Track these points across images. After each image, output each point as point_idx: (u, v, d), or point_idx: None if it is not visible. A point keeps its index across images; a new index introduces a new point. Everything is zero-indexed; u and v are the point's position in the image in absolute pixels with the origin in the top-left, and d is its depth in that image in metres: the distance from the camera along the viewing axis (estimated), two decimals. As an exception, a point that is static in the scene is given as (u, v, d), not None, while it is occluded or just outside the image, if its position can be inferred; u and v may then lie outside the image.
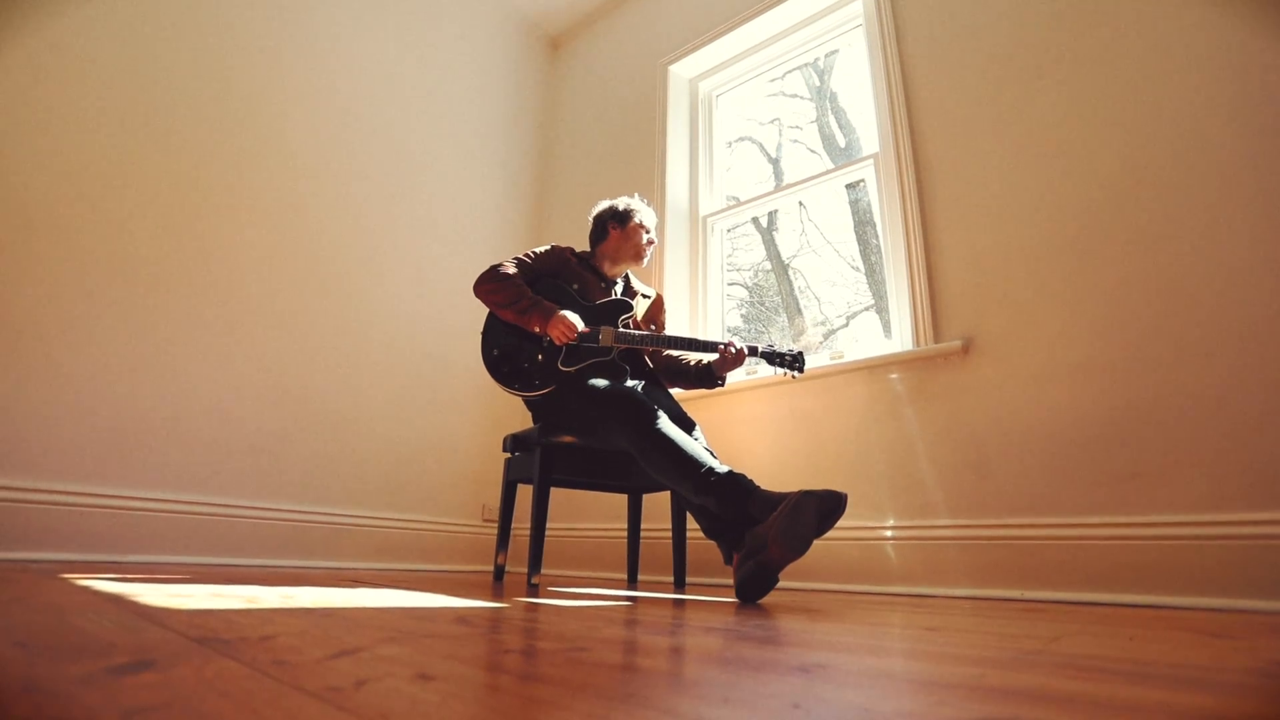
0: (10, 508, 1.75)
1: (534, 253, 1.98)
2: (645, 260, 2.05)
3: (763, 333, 2.98)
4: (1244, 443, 1.49)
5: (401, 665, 0.50)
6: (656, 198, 2.89)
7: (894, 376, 2.06)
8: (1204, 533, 1.49)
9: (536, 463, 1.83)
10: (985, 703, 0.43)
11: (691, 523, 2.13)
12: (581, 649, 0.63)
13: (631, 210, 2.03)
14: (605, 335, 1.84)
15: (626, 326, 1.93)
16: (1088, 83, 1.89)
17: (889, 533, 1.94)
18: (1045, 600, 1.62)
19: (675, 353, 2.09)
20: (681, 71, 3.15)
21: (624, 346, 1.88)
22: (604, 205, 2.09)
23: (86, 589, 1.03)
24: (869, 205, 2.57)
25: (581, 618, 0.95)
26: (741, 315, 3.07)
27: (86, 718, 0.33)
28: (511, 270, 1.89)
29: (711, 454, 1.58)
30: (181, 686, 0.40)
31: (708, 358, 2.00)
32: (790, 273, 3.02)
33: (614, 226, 2.03)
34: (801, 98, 3.15)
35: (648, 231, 2.03)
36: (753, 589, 1.38)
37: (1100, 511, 1.63)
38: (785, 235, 3.06)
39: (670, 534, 2.20)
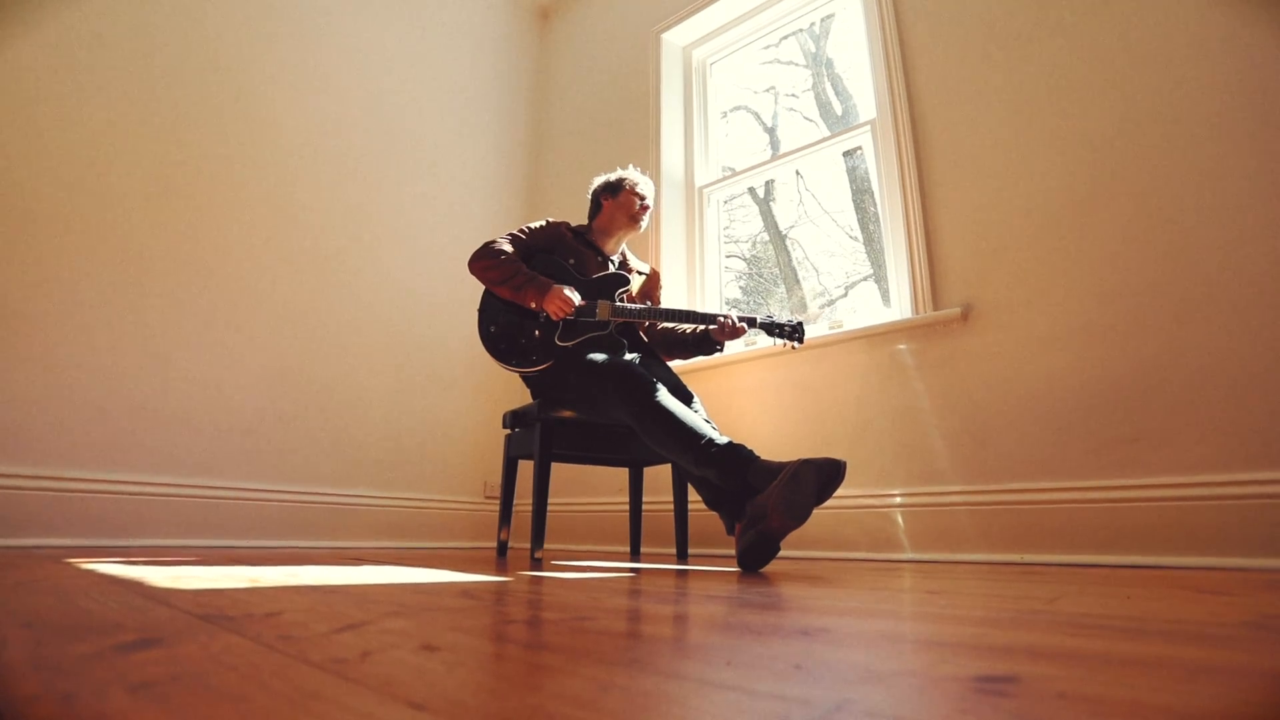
0: (12, 495, 1.76)
1: (529, 228, 1.96)
2: (643, 225, 2.01)
3: (761, 304, 2.97)
4: (1242, 404, 1.50)
5: (406, 637, 0.50)
6: (651, 169, 2.85)
7: (894, 345, 2.06)
8: (1202, 493, 1.50)
9: (537, 438, 1.84)
10: (986, 660, 0.43)
11: (693, 495, 2.14)
12: (585, 618, 0.63)
13: (623, 179, 2.01)
14: (602, 309, 1.84)
15: (623, 300, 1.91)
16: (1086, 44, 1.86)
17: (894, 499, 1.95)
18: (1045, 563, 1.64)
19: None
20: (674, 39, 3.09)
21: (621, 320, 1.87)
22: (598, 180, 2.06)
23: (91, 572, 1.04)
24: (867, 173, 2.54)
25: (585, 589, 0.96)
26: (740, 287, 3.06)
27: (95, 692, 0.33)
28: (506, 246, 1.87)
29: (711, 425, 1.58)
30: (188, 661, 0.40)
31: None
32: (788, 244, 3.00)
33: (606, 198, 2.00)
34: (797, 64, 3.09)
35: (642, 198, 2.00)
36: (755, 558, 1.40)
37: (1100, 475, 1.64)
38: (782, 206, 3.03)
39: (672, 506, 2.21)
